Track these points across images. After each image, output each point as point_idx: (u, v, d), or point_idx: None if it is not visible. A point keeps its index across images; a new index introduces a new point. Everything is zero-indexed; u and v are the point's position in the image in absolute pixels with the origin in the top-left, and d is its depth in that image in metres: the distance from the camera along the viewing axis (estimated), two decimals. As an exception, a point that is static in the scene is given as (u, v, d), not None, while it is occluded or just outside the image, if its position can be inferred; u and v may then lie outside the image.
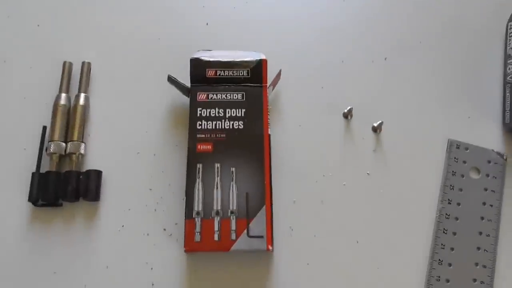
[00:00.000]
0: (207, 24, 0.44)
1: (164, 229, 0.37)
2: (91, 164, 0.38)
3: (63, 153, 0.38)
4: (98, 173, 0.37)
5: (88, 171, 0.37)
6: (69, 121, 0.39)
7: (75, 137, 0.38)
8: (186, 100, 0.39)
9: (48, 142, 0.38)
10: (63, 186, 0.36)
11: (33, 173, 0.37)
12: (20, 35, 0.43)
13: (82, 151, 0.38)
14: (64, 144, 0.38)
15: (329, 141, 0.40)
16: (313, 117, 0.41)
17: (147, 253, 0.36)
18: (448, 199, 0.38)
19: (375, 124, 0.40)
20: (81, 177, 0.37)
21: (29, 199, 0.36)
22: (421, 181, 0.39)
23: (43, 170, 0.37)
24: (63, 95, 0.39)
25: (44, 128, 0.39)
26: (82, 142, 0.38)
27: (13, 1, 0.44)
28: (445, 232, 0.37)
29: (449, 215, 0.38)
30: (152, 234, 0.36)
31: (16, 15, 0.44)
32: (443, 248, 0.37)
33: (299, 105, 0.41)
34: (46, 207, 0.37)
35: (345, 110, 0.40)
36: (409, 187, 0.39)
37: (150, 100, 0.41)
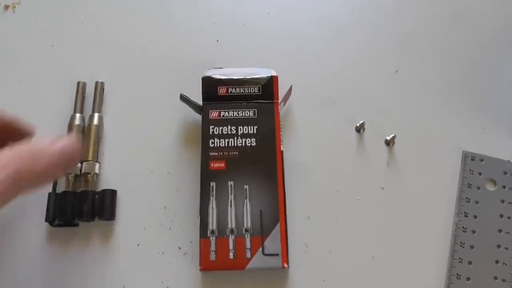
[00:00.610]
0: (217, 41, 0.44)
1: (179, 248, 0.37)
2: (106, 183, 0.39)
3: (79, 173, 0.38)
4: (113, 193, 0.37)
5: (104, 191, 0.37)
6: (84, 141, 0.39)
7: (90, 157, 0.38)
8: (198, 117, 0.40)
9: None
10: (79, 206, 0.37)
11: (49, 193, 0.37)
12: (35, 56, 0.44)
13: (96, 171, 0.38)
14: (79, 164, 0.38)
15: (342, 156, 0.40)
16: (325, 131, 0.41)
17: (163, 272, 0.36)
18: (465, 212, 0.38)
19: (388, 138, 0.40)
20: (96, 196, 0.37)
21: (46, 219, 0.36)
22: (436, 194, 0.39)
23: (59, 190, 0.38)
24: (78, 115, 0.40)
25: None
26: (97, 162, 0.38)
27: (27, 22, 0.45)
28: (462, 245, 0.37)
29: (466, 228, 0.37)
30: (167, 253, 0.37)
31: (30, 36, 0.44)
32: (461, 262, 0.36)
33: (311, 120, 0.41)
34: (63, 227, 0.37)
35: (357, 124, 0.40)
36: (424, 201, 0.38)
37: (163, 118, 0.41)
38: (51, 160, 0.27)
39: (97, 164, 0.38)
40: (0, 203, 0.24)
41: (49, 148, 0.28)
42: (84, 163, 0.38)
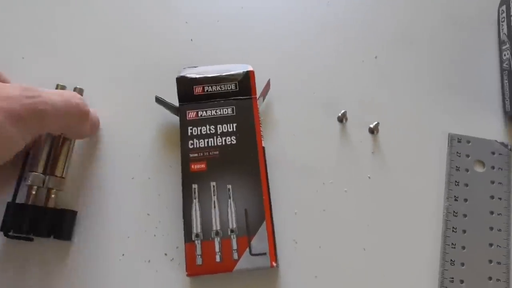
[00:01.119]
0: (191, 40, 0.43)
1: (166, 254, 0.36)
2: (73, 197, 0.37)
3: (41, 185, 0.36)
4: (72, 213, 0.36)
5: (63, 211, 0.36)
6: (53, 151, 0.37)
7: (58, 172, 0.36)
8: (176, 119, 0.39)
9: (28, 172, 0.36)
10: (35, 221, 0.35)
11: (8, 203, 0.35)
12: (7, 68, 0.42)
13: (61, 188, 0.36)
14: (44, 176, 0.36)
15: (326, 148, 0.39)
16: (307, 124, 0.40)
17: (151, 280, 0.35)
18: (455, 196, 0.37)
19: (372, 126, 0.39)
20: (54, 215, 0.35)
21: (1, 229, 0.34)
22: (425, 179, 0.38)
23: (20, 200, 0.35)
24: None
25: (27, 155, 0.37)
26: (63, 177, 0.36)
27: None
28: (454, 230, 0.36)
29: (457, 213, 0.36)
30: (153, 261, 0.36)
31: (2, 45, 0.43)
32: (454, 248, 0.35)
33: (292, 113, 0.40)
34: (18, 239, 0.35)
35: (339, 114, 0.39)
36: (413, 187, 0.38)
37: (140, 122, 0.40)
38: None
39: (63, 180, 0.36)
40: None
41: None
42: (50, 177, 0.36)
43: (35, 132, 0.31)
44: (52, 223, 0.35)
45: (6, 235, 0.35)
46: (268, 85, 0.39)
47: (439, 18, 0.44)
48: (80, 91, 0.39)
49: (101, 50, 0.43)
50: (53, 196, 0.36)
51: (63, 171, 0.37)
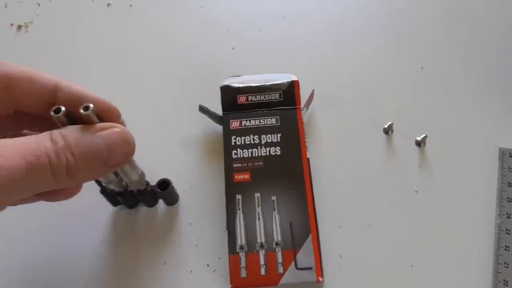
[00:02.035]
0: (233, 48, 0.43)
1: (208, 265, 0.35)
2: None
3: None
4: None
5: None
6: None
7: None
8: (218, 128, 0.38)
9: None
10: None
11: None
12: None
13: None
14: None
15: (371, 160, 0.38)
16: (351, 135, 0.39)
17: (192, 291, 0.35)
18: (507, 213, 0.35)
19: (419, 138, 0.38)
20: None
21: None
22: (474, 195, 0.37)
23: None
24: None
25: None
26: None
27: (40, 41, 0.45)
28: (507, 249, 0.34)
29: (509, 231, 0.35)
30: (195, 271, 0.35)
31: (44, 55, 0.44)
32: (507, 267, 0.34)
33: (336, 124, 0.39)
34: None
35: (385, 126, 0.38)
36: (462, 203, 0.36)
37: (183, 131, 0.40)
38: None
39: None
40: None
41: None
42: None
43: None
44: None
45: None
46: (312, 96, 0.39)
47: (489, 29, 0.43)
48: (91, 111, 0.26)
49: (143, 59, 0.43)
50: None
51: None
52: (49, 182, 0.23)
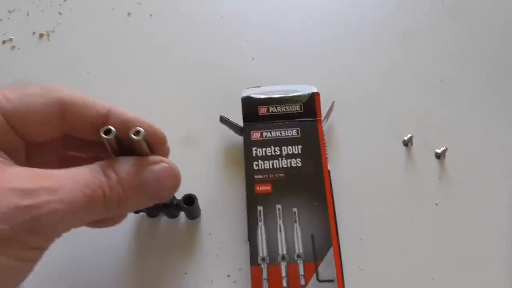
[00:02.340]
0: (253, 59, 0.43)
1: (228, 276, 0.35)
2: None
3: None
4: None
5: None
6: None
7: None
8: (238, 138, 0.39)
9: None
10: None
11: None
12: (70, 84, 0.43)
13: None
14: None
15: (390, 172, 0.38)
16: (371, 147, 0.39)
17: (213, 301, 0.35)
18: (528, 227, 0.35)
19: (439, 151, 0.38)
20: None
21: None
22: (496, 208, 0.36)
23: None
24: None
25: None
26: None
27: (62, 50, 0.45)
28: (529, 263, 0.34)
29: (531, 245, 0.35)
30: (216, 281, 0.35)
31: (66, 64, 0.44)
32: (529, 282, 0.34)
33: (355, 136, 0.40)
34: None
35: (405, 138, 0.38)
36: (483, 216, 0.36)
37: (203, 141, 0.40)
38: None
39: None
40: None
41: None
42: None
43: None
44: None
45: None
46: (332, 107, 0.39)
47: (506, 37, 0.43)
48: (141, 137, 0.25)
49: (163, 69, 0.43)
50: None
51: None
52: (100, 213, 0.24)
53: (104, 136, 0.24)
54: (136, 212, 0.37)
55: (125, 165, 0.25)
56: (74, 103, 0.25)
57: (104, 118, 0.26)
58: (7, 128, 0.23)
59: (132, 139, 0.25)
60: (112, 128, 0.24)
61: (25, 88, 0.24)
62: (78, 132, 0.26)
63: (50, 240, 0.22)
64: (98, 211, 0.23)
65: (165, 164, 0.26)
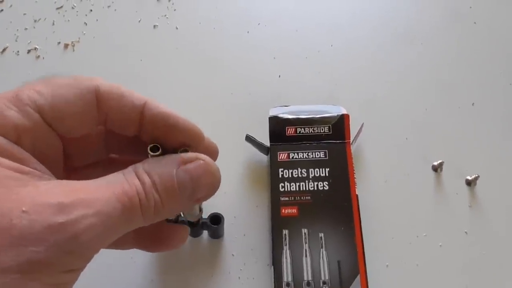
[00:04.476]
0: (279, 76, 0.43)
1: (250, 299, 0.35)
2: None
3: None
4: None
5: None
6: None
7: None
8: (263, 158, 0.38)
9: None
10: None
11: None
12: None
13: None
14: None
15: (419, 198, 0.37)
16: (399, 171, 0.38)
17: (234, 325, 0.34)
18: (562, 261, 0.34)
19: (470, 178, 0.37)
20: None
21: None
22: (528, 239, 0.35)
23: None
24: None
25: None
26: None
27: (87, 60, 0.45)
28: None
29: None
30: (237, 304, 0.35)
31: (90, 74, 0.44)
32: (563, 319, 0.33)
33: (383, 159, 0.39)
34: None
35: (435, 163, 0.38)
36: (514, 247, 0.35)
37: (227, 159, 0.39)
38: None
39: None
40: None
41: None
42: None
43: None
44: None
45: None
46: (361, 130, 0.38)
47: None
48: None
49: (187, 84, 0.43)
50: None
51: None
52: (138, 223, 0.22)
53: (152, 153, 0.23)
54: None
55: (157, 165, 0.23)
56: (110, 92, 0.23)
57: (140, 111, 0.24)
58: (44, 126, 0.22)
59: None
60: (159, 146, 0.23)
61: (57, 80, 0.23)
62: (115, 125, 0.24)
63: (88, 259, 0.21)
64: (136, 221, 0.21)
65: (200, 161, 0.23)
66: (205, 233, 0.37)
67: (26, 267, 0.18)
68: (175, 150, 0.24)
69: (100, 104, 0.23)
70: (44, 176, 0.21)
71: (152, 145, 0.23)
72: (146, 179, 0.22)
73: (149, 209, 0.22)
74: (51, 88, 0.22)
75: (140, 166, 0.22)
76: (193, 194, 0.23)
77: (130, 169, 0.22)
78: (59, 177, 0.22)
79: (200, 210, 0.32)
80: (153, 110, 0.24)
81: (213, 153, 0.28)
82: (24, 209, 0.18)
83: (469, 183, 0.37)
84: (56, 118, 0.22)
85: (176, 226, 0.29)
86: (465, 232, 0.36)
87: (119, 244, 0.27)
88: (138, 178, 0.22)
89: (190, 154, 0.23)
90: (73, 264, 0.20)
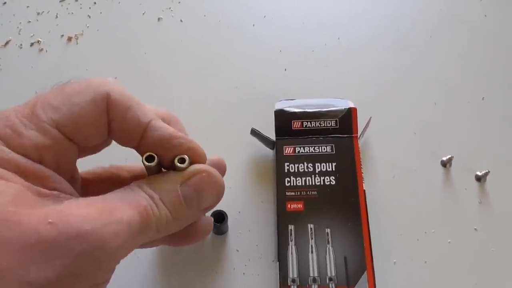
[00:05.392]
0: (285, 69, 0.42)
1: (255, 295, 0.34)
2: None
3: None
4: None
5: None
6: None
7: None
8: (268, 152, 0.37)
9: None
10: None
11: None
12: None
13: None
14: None
15: (427, 193, 0.36)
16: (407, 167, 0.37)
17: (238, 322, 0.34)
18: None
19: (479, 173, 0.36)
20: None
21: None
22: (539, 237, 0.35)
23: None
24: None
25: None
26: None
27: (90, 53, 0.44)
28: None
29: None
30: (242, 301, 0.34)
31: (94, 68, 0.44)
32: None
33: (391, 154, 0.38)
34: None
35: (444, 158, 0.37)
36: (525, 244, 0.35)
37: (232, 154, 0.39)
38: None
39: None
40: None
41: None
42: None
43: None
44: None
45: None
46: (368, 123, 0.37)
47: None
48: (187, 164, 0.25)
49: (191, 77, 0.42)
50: None
51: None
52: (152, 235, 0.22)
53: (147, 163, 0.23)
54: None
55: (160, 183, 0.23)
56: (117, 104, 0.23)
57: (144, 128, 0.23)
58: (64, 140, 0.21)
59: (176, 166, 0.23)
60: (155, 156, 0.23)
61: (68, 88, 0.22)
62: (115, 134, 0.24)
63: (111, 270, 0.21)
64: (151, 233, 0.22)
65: (203, 174, 0.24)
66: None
67: (55, 282, 0.18)
68: (171, 160, 0.24)
69: (108, 110, 0.23)
70: (65, 196, 0.21)
71: (147, 154, 0.23)
72: (153, 193, 0.22)
73: (161, 220, 0.22)
74: (63, 98, 0.22)
75: (143, 183, 0.23)
76: (200, 205, 0.24)
77: (134, 185, 0.23)
78: (78, 188, 0.23)
79: None
80: (157, 131, 0.23)
81: (221, 168, 0.28)
82: (50, 220, 0.18)
83: (479, 178, 0.36)
84: (73, 130, 0.22)
85: (200, 219, 0.29)
86: (475, 228, 0.35)
87: (152, 242, 0.27)
88: (145, 193, 0.22)
89: (192, 168, 0.24)
90: (99, 276, 0.20)
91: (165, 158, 0.24)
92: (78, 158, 0.24)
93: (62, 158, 0.22)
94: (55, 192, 0.21)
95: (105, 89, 0.22)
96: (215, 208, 0.34)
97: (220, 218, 0.34)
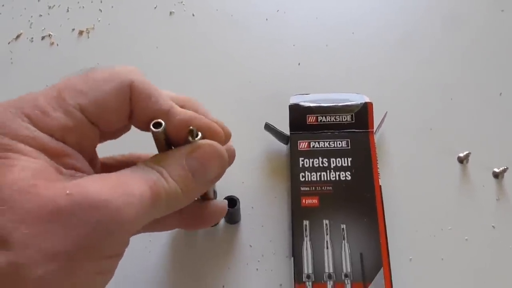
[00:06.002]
0: (299, 64, 0.41)
1: (269, 291, 0.34)
2: None
3: None
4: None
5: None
6: None
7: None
8: (282, 147, 0.37)
9: None
10: None
11: None
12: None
13: None
14: None
15: (444, 190, 0.36)
16: (423, 162, 0.37)
17: (252, 318, 0.33)
18: None
19: (497, 170, 0.36)
20: None
21: None
22: (558, 235, 0.34)
23: None
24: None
25: None
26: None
27: (101, 47, 0.44)
28: None
29: None
30: (256, 297, 0.34)
31: (105, 61, 0.43)
32: None
33: (407, 149, 0.37)
34: None
35: (461, 155, 0.36)
36: (544, 242, 0.34)
37: (245, 149, 0.38)
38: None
39: None
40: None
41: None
42: None
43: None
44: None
45: None
46: (384, 118, 0.37)
47: None
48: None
49: (204, 72, 0.42)
50: None
51: None
52: (163, 209, 0.23)
53: (154, 129, 0.23)
54: None
55: (169, 159, 0.24)
56: (140, 92, 0.24)
57: (165, 115, 0.24)
58: (87, 124, 0.22)
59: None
60: (162, 122, 0.23)
61: (95, 75, 0.23)
62: (137, 121, 0.25)
63: (126, 243, 0.21)
64: (161, 206, 0.22)
65: (206, 147, 0.24)
66: (222, 221, 0.36)
67: (73, 252, 0.19)
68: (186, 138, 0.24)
69: (131, 98, 0.24)
70: (84, 174, 0.22)
71: (155, 121, 0.23)
72: (161, 169, 0.23)
73: (171, 193, 0.22)
74: (89, 84, 0.23)
75: (150, 161, 0.23)
76: (206, 177, 0.25)
77: (141, 163, 0.23)
78: (97, 171, 0.24)
79: (215, 192, 0.31)
80: (177, 116, 0.24)
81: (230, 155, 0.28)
82: (68, 192, 0.19)
83: (496, 175, 0.36)
84: (97, 115, 0.23)
85: (214, 202, 0.30)
86: (492, 226, 0.35)
87: (166, 224, 0.29)
88: (153, 169, 0.23)
89: (196, 143, 0.24)
90: (113, 248, 0.21)
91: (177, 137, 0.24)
92: (98, 143, 0.25)
93: (84, 141, 0.23)
94: (75, 171, 0.21)
95: (129, 77, 0.23)
96: (227, 193, 0.34)
97: (232, 202, 0.33)
